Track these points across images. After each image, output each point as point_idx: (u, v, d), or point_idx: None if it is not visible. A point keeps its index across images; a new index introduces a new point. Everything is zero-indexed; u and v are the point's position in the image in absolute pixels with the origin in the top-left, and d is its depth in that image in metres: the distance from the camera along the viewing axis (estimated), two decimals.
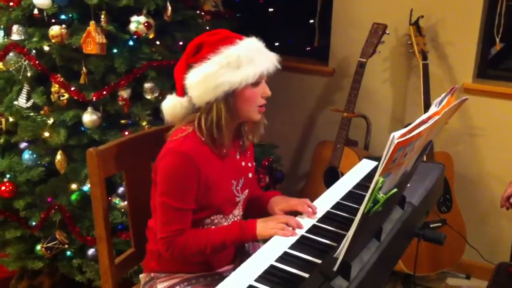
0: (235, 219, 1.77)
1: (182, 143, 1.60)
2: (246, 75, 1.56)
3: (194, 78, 1.57)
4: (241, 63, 1.55)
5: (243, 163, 1.77)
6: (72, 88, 2.31)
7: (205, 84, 1.55)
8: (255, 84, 1.61)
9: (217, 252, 1.66)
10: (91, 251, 2.38)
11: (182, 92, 1.62)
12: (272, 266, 1.43)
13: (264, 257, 1.47)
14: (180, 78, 1.62)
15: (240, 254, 1.88)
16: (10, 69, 2.39)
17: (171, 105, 1.65)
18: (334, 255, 1.31)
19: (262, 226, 1.63)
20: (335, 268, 1.28)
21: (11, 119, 2.45)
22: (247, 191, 1.78)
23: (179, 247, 1.62)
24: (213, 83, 1.55)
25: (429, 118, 1.33)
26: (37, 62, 2.33)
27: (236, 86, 1.56)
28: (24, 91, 2.40)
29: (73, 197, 2.34)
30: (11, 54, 2.37)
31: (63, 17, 2.30)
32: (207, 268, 1.77)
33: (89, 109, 2.30)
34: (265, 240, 1.60)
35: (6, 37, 2.44)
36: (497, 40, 2.89)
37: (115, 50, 2.28)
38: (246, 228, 1.64)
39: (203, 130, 1.60)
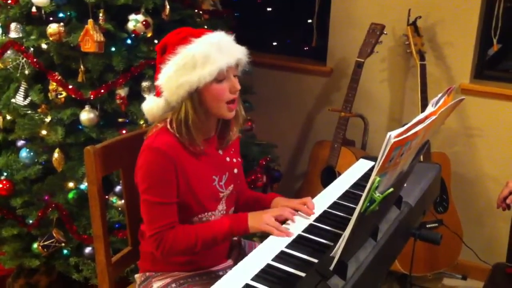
0: (220, 214, 1.75)
1: (155, 139, 1.62)
2: (203, 74, 1.56)
3: (160, 80, 1.60)
4: (196, 63, 1.55)
5: (227, 159, 1.76)
6: (70, 86, 2.31)
7: (168, 85, 1.58)
8: (220, 80, 1.60)
9: (208, 248, 1.65)
10: (88, 250, 2.38)
11: (158, 92, 1.64)
12: (268, 265, 1.43)
13: (261, 256, 1.47)
14: (155, 78, 1.64)
15: (234, 252, 1.88)
16: (8, 67, 2.38)
17: (149, 105, 1.67)
18: (331, 255, 1.31)
19: (254, 218, 1.63)
20: (331, 267, 1.29)
21: (8, 117, 2.45)
22: (232, 186, 1.78)
23: (169, 243, 1.61)
24: (174, 84, 1.57)
25: (426, 118, 1.33)
26: (34, 60, 2.33)
27: (196, 85, 1.56)
28: (22, 89, 2.40)
29: (70, 195, 2.34)
30: (8, 51, 2.37)
31: (61, 15, 2.30)
32: (202, 266, 1.76)
33: (87, 107, 2.30)
34: (262, 239, 1.60)
35: (4, 34, 2.43)
36: (495, 41, 2.90)
37: (113, 49, 2.28)
38: (237, 220, 1.64)
39: (174, 129, 1.61)
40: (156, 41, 2.39)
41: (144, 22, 2.28)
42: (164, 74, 1.59)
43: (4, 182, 2.40)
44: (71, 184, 2.37)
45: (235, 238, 1.93)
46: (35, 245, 2.42)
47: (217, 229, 1.63)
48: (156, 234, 1.61)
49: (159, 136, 1.62)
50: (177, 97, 1.58)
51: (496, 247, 3.01)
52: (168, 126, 1.62)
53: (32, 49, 2.34)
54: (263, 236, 1.62)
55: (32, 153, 2.39)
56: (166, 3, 2.35)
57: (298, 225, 1.64)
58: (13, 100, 2.41)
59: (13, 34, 2.37)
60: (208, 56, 1.56)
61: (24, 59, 2.34)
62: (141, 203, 1.65)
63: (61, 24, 2.26)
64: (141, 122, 2.33)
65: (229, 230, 1.63)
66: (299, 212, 1.71)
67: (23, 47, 2.34)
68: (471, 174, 3.03)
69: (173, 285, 1.72)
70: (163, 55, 1.62)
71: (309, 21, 3.47)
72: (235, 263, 1.49)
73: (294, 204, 1.72)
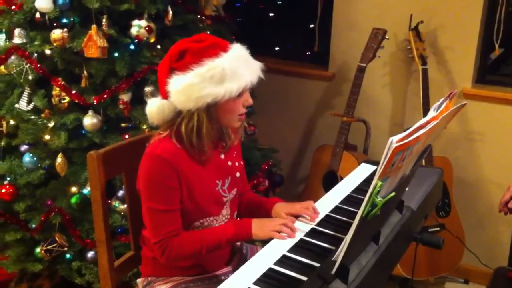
0: (224, 219, 1.75)
1: (157, 146, 1.61)
2: (230, 89, 1.54)
3: (176, 85, 1.55)
4: (225, 77, 1.54)
5: (229, 163, 1.76)
6: (73, 92, 2.32)
7: (187, 93, 1.54)
8: (239, 95, 1.60)
9: (213, 252, 1.66)
10: (90, 254, 2.39)
11: (166, 95, 1.60)
12: (270, 269, 1.44)
13: (263, 260, 1.48)
14: (163, 81, 1.60)
15: (236, 256, 1.88)
16: (12, 72, 2.39)
17: (158, 107, 1.62)
18: (332, 259, 1.32)
19: (258, 225, 1.64)
20: (333, 271, 1.29)
21: (12, 122, 2.46)
22: (235, 190, 1.78)
23: (174, 250, 1.62)
24: (195, 94, 1.53)
25: (427, 122, 1.34)
26: (38, 65, 2.33)
27: (219, 99, 1.55)
28: (25, 94, 2.41)
29: (73, 200, 2.35)
30: (12, 57, 2.38)
31: (64, 20, 2.31)
32: (202, 271, 1.77)
33: (90, 112, 2.31)
34: (263, 243, 1.61)
35: (7, 40, 2.44)
36: (496, 45, 2.90)
37: (116, 54, 2.29)
38: (241, 226, 1.64)
39: (183, 136, 1.60)
40: (159, 47, 2.40)
41: (147, 28, 2.29)
42: (182, 81, 1.54)
43: (8, 186, 2.41)
44: (74, 189, 2.37)
45: (238, 244, 1.93)
46: (38, 250, 2.43)
47: (221, 235, 1.64)
48: (161, 241, 1.62)
49: (161, 144, 1.61)
50: (193, 106, 1.55)
51: (498, 251, 3.01)
52: (173, 135, 1.61)
53: (35, 54, 2.35)
54: (265, 240, 1.63)
55: (35, 158, 2.40)
56: (169, 8, 2.36)
57: (300, 229, 1.64)
58: (16, 105, 2.42)
59: (17, 40, 2.38)
60: (237, 72, 1.55)
61: (28, 64, 2.35)
62: (144, 211, 1.65)
63: (65, 29, 2.27)
64: (144, 127, 2.34)
65: (233, 236, 1.64)
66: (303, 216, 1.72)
67: (27, 52, 2.35)
68: (473, 178, 3.03)
69: None
70: (180, 60, 1.57)
71: (311, 26, 3.48)
72: (237, 267, 1.49)
73: (297, 210, 1.72)
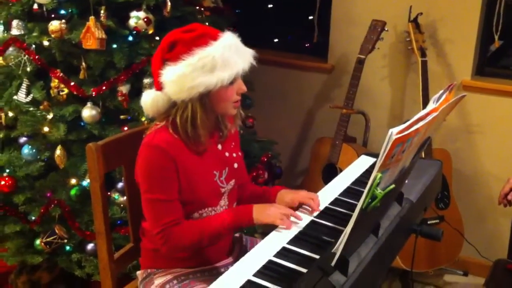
0: (222, 210, 1.75)
1: (154, 137, 1.61)
2: (221, 77, 1.55)
3: (169, 76, 1.56)
4: (216, 65, 1.54)
5: (226, 154, 1.77)
6: (72, 83, 2.31)
7: (180, 83, 1.55)
8: (231, 83, 1.60)
9: (215, 241, 1.66)
10: (90, 246, 2.39)
11: (160, 87, 1.61)
12: (270, 261, 1.44)
13: (263, 252, 1.48)
14: (156, 73, 1.61)
15: (236, 248, 1.89)
16: (10, 64, 2.39)
17: (152, 99, 1.63)
18: (332, 251, 1.32)
19: (259, 210, 1.64)
20: (333, 263, 1.29)
21: (10, 114, 2.45)
22: (233, 181, 1.78)
23: (176, 239, 1.62)
24: (187, 84, 1.54)
25: (427, 114, 1.34)
26: (36, 57, 2.33)
27: (212, 88, 1.56)
28: (24, 86, 2.40)
29: (73, 192, 2.35)
30: (10, 49, 2.37)
31: (62, 12, 2.30)
32: (203, 263, 1.77)
33: (89, 104, 2.31)
34: (263, 236, 1.61)
35: (5, 32, 2.44)
36: (496, 37, 2.89)
37: (114, 45, 2.28)
38: (242, 212, 1.64)
39: (178, 127, 1.60)
40: (157, 38, 2.39)
41: (145, 19, 2.28)
42: (174, 72, 1.55)
43: (7, 179, 2.41)
44: (73, 181, 2.37)
45: (237, 234, 1.93)
46: (37, 242, 2.43)
47: (222, 222, 1.64)
48: (162, 232, 1.62)
49: (158, 134, 1.62)
50: (186, 96, 1.56)
51: (497, 243, 3.01)
52: (169, 125, 1.62)
53: (34, 46, 2.34)
54: (264, 232, 1.63)
55: (34, 150, 2.40)
56: (167, 0, 2.35)
57: (299, 221, 1.64)
58: (15, 97, 2.41)
59: (15, 31, 2.37)
60: (228, 60, 1.56)
61: (26, 56, 2.34)
62: (143, 202, 1.65)
63: (63, 21, 2.26)
64: (143, 119, 2.34)
65: (234, 222, 1.64)
66: (303, 206, 1.72)
67: (25, 44, 2.34)
68: (472, 171, 3.03)
69: (175, 281, 1.73)
70: (171, 51, 1.58)
71: (310, 17, 3.46)
72: (237, 259, 1.49)
73: (302, 196, 1.72)
